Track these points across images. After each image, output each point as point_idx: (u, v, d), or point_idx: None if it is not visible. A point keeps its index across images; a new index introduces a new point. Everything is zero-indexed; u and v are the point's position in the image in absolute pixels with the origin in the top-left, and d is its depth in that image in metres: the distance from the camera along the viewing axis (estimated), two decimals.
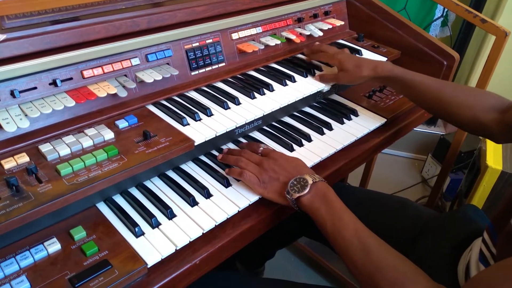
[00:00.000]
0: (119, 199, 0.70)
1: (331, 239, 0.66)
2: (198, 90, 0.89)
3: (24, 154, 0.64)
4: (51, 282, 0.54)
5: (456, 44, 2.03)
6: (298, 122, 0.96)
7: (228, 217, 0.69)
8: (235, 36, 0.97)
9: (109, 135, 0.70)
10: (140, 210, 0.67)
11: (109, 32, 0.77)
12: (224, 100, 0.84)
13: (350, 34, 1.23)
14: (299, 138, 0.88)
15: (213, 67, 0.93)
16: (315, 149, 0.86)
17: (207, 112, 0.81)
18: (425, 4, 2.03)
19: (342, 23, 1.20)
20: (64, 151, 0.65)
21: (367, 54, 1.13)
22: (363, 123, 0.96)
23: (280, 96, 0.90)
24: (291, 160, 0.75)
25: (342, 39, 1.19)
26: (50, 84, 0.71)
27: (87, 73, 0.75)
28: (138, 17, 0.80)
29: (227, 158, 0.78)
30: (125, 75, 0.80)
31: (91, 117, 0.74)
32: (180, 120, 0.77)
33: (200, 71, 0.91)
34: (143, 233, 0.64)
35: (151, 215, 0.66)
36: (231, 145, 0.87)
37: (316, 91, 0.96)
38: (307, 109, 1.01)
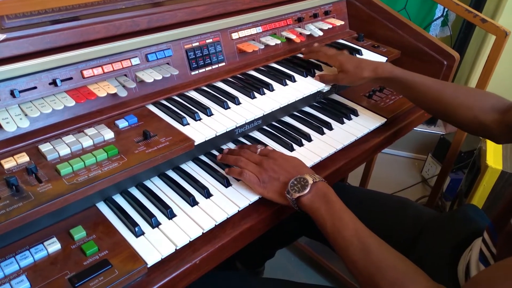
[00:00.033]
0: (119, 199, 0.70)
1: (331, 239, 0.66)
2: (198, 90, 0.89)
3: (24, 154, 0.64)
4: (51, 282, 0.54)
5: (456, 44, 2.03)
6: (298, 122, 0.96)
7: (228, 217, 0.69)
8: (235, 35, 0.97)
9: (109, 134, 0.70)
10: (140, 209, 0.67)
11: (109, 32, 0.77)
12: (224, 99, 0.84)
13: (350, 34, 1.23)
14: (299, 138, 0.88)
15: (213, 66, 0.93)
16: (315, 149, 0.86)
17: (207, 111, 0.81)
18: (425, 4, 2.03)
19: (342, 23, 1.20)
20: (64, 151, 0.65)
21: (367, 54, 1.13)
22: (363, 123, 0.96)
23: (280, 95, 0.90)
24: (290, 160, 0.75)
25: (342, 39, 1.19)
26: (50, 84, 0.71)
27: (87, 73, 0.75)
28: (138, 17, 0.80)
29: (226, 158, 0.78)
30: (125, 75, 0.80)
31: (91, 116, 0.74)
32: (180, 120, 0.77)
33: (200, 70, 0.91)
34: (143, 233, 0.64)
35: (151, 215, 0.66)
36: (231, 145, 0.87)
37: (316, 91, 0.96)
38: (307, 109, 1.01)
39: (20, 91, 0.68)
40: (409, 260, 0.60)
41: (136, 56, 0.81)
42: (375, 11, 1.19)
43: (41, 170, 0.61)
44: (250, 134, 0.90)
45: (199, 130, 0.76)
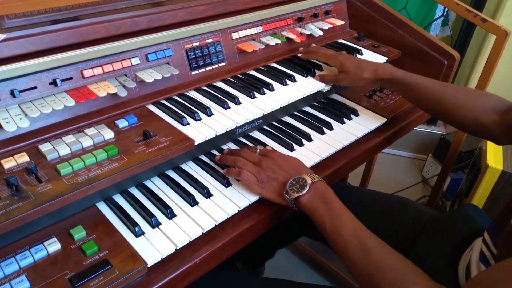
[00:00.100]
0: (119, 199, 0.70)
1: (330, 239, 0.66)
2: (198, 90, 0.89)
3: (24, 153, 0.63)
4: (51, 282, 0.54)
5: (457, 43, 2.03)
6: (298, 121, 0.96)
7: (228, 216, 0.69)
8: (235, 35, 0.97)
9: (109, 134, 0.69)
10: (140, 209, 0.67)
11: (109, 32, 0.77)
12: (224, 99, 0.84)
13: (350, 34, 1.23)
14: (299, 137, 0.88)
15: (213, 66, 0.93)
16: (315, 149, 0.86)
17: (207, 111, 0.80)
18: (425, 3, 2.03)
19: (343, 22, 1.20)
20: (64, 150, 0.65)
21: (367, 54, 1.12)
22: (363, 123, 0.96)
23: (280, 95, 0.90)
24: (290, 159, 0.75)
25: (342, 39, 1.19)
26: (50, 83, 0.71)
27: (87, 73, 0.75)
28: (138, 17, 0.80)
29: (225, 158, 0.78)
30: (125, 75, 0.80)
31: (91, 116, 0.74)
32: (180, 120, 0.77)
33: (200, 70, 0.91)
34: (143, 233, 0.64)
35: (151, 215, 0.66)
36: (232, 145, 0.87)
37: (316, 91, 0.96)
38: (308, 109, 1.01)
39: (20, 91, 0.67)
40: (409, 260, 0.60)
41: (136, 56, 0.81)
42: (375, 11, 1.19)
43: (41, 170, 0.61)
44: (250, 134, 0.90)
45: (199, 130, 0.76)
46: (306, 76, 0.98)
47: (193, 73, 0.90)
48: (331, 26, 1.15)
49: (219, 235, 0.67)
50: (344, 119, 0.96)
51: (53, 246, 0.59)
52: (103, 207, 0.68)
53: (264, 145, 0.85)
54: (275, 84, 0.93)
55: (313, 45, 1.08)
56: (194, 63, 0.89)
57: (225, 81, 0.93)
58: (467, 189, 1.57)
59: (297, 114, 0.98)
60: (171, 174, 0.77)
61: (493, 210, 1.45)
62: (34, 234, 0.61)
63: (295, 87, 0.94)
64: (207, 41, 0.92)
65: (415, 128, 1.17)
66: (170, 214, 0.67)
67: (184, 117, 0.77)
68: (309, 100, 1.01)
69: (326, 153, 0.85)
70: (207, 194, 0.72)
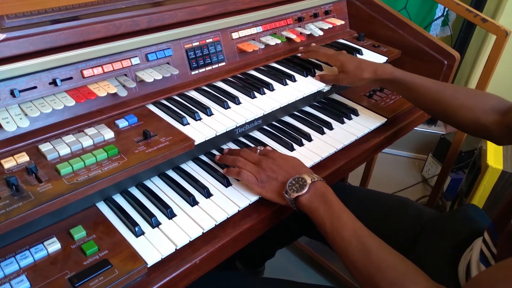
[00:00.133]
0: (119, 199, 0.70)
1: (330, 239, 0.66)
2: (198, 90, 0.89)
3: (24, 153, 0.63)
4: (51, 282, 0.54)
5: (457, 43, 2.03)
6: (299, 121, 0.96)
7: (228, 216, 0.69)
8: (235, 35, 0.97)
9: (109, 134, 0.69)
10: (140, 209, 0.67)
11: (109, 32, 0.77)
12: (224, 99, 0.84)
13: (350, 34, 1.23)
14: (300, 137, 0.88)
15: (213, 66, 0.93)
16: (316, 149, 0.86)
17: (207, 111, 0.80)
18: (425, 3, 2.03)
19: (343, 22, 1.20)
20: (64, 150, 0.65)
21: (367, 54, 1.12)
22: (363, 123, 0.96)
23: (280, 95, 0.90)
24: (289, 159, 0.75)
25: (342, 39, 1.19)
26: (50, 83, 0.71)
27: (87, 73, 0.74)
28: (138, 17, 0.80)
29: (224, 158, 0.78)
30: (125, 75, 0.80)
31: (91, 116, 0.74)
32: (180, 120, 0.77)
33: (200, 70, 0.91)
34: (143, 233, 0.64)
35: (151, 215, 0.66)
36: (232, 145, 0.86)
37: (316, 91, 0.96)
38: (308, 109, 1.01)
39: (20, 91, 0.67)
40: (409, 260, 0.60)
41: (136, 56, 0.81)
42: (375, 11, 1.19)
43: (41, 170, 0.61)
44: (250, 134, 0.90)
45: (199, 130, 0.76)
46: (306, 76, 0.98)
47: (193, 73, 0.90)
48: (331, 26, 1.15)
49: (219, 235, 0.67)
50: (344, 119, 0.96)
51: (53, 246, 0.59)
52: (103, 207, 0.68)
53: (264, 145, 0.85)
54: (275, 84, 0.93)
55: (313, 44, 1.08)
56: (194, 63, 0.89)
57: (225, 81, 0.93)
58: (467, 189, 1.57)
59: (297, 114, 0.98)
60: (171, 174, 0.77)
61: (493, 210, 1.45)
62: (34, 234, 0.61)
63: (295, 87, 0.94)
64: (207, 41, 0.92)
65: (415, 128, 1.17)
66: (170, 214, 0.67)
67: (184, 117, 0.77)
68: (309, 100, 1.01)
69: (326, 153, 0.85)
70: (207, 194, 0.72)
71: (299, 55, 1.05)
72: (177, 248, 0.62)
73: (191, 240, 0.64)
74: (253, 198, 0.72)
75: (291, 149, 0.85)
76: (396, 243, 0.66)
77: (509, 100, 0.82)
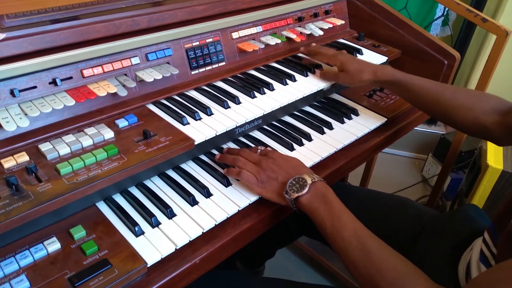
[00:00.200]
0: (119, 199, 0.70)
1: (330, 239, 0.66)
2: (198, 89, 0.89)
3: (23, 153, 0.63)
4: (51, 282, 0.54)
5: (457, 43, 2.03)
6: (299, 121, 0.96)
7: (228, 216, 0.69)
8: (235, 35, 0.97)
9: (109, 134, 0.69)
10: (140, 209, 0.67)
11: (109, 31, 0.77)
12: (224, 99, 0.84)
13: (350, 33, 1.23)
14: (300, 137, 0.88)
15: (213, 66, 0.93)
16: (316, 149, 0.86)
17: (207, 111, 0.80)
18: (425, 3, 2.03)
19: (343, 22, 1.20)
20: (64, 150, 0.65)
21: (367, 53, 1.12)
22: (363, 123, 0.96)
23: (280, 95, 0.89)
24: (290, 159, 0.75)
25: (342, 38, 1.19)
26: (50, 83, 0.71)
27: (87, 72, 0.74)
28: (138, 16, 0.80)
29: (224, 157, 0.78)
30: (125, 74, 0.80)
31: (91, 116, 0.74)
32: (180, 119, 0.77)
33: (200, 70, 0.91)
34: (143, 233, 0.64)
35: (151, 215, 0.66)
36: (231, 145, 0.86)
37: (316, 90, 0.96)
38: (308, 108, 1.01)
39: (20, 91, 0.67)
40: (409, 261, 0.60)
41: (136, 56, 0.81)
42: (375, 11, 1.19)
43: (41, 169, 0.61)
44: (250, 133, 0.90)
45: (199, 130, 0.76)
46: (306, 76, 0.98)
47: (193, 72, 0.90)
48: (331, 25, 1.15)
49: (219, 235, 0.66)
50: (344, 118, 0.96)
51: (53, 245, 0.58)
52: (103, 207, 0.68)
53: (265, 145, 0.85)
54: (275, 84, 0.93)
55: (313, 44, 1.08)
56: (194, 63, 0.89)
57: (225, 81, 0.93)
58: (467, 189, 1.57)
59: (297, 114, 0.98)
60: (171, 173, 0.77)
61: (493, 210, 1.45)
62: (34, 233, 0.61)
63: (295, 86, 0.94)
64: (207, 40, 0.91)
65: (415, 128, 1.17)
66: (170, 214, 0.67)
67: (184, 116, 0.77)
68: (309, 99, 1.01)
69: (326, 153, 0.85)
70: (207, 193, 0.72)
71: (300, 55, 1.05)
72: (177, 248, 0.62)
73: (191, 240, 0.64)
74: (253, 198, 0.72)
75: (291, 149, 0.85)
76: (396, 243, 0.66)
77: (509, 100, 0.82)
